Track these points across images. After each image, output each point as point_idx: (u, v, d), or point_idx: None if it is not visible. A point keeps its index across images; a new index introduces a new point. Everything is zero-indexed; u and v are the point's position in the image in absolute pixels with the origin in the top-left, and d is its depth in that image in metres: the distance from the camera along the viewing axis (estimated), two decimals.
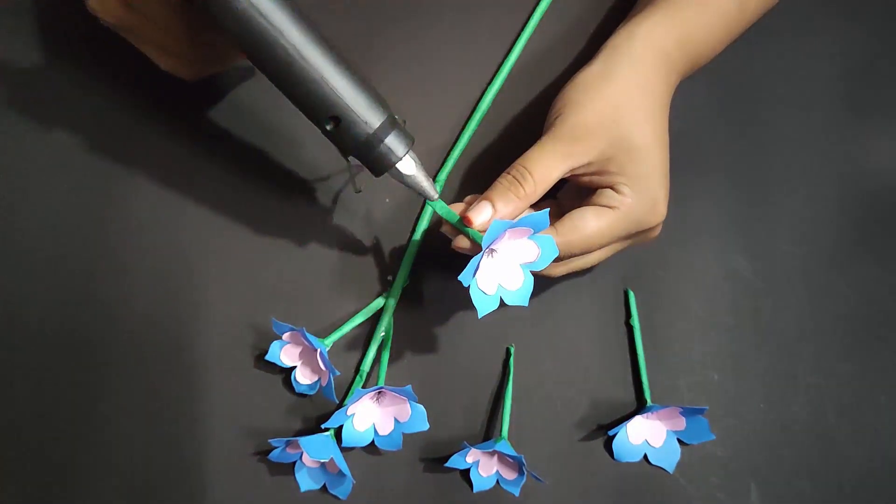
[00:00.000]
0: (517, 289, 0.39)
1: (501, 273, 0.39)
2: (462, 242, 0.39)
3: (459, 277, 0.36)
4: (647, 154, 0.39)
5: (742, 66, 0.52)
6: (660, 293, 0.48)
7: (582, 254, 0.40)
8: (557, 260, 0.40)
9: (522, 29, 0.51)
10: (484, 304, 0.38)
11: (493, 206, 0.38)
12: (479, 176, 0.48)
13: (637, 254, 0.48)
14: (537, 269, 0.39)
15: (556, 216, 0.41)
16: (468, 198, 0.42)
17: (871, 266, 0.49)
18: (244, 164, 0.47)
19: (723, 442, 0.46)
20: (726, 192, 0.50)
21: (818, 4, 0.53)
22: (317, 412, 0.45)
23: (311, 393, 0.45)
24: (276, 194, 0.47)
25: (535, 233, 0.38)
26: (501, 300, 0.38)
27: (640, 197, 0.39)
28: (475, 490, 0.44)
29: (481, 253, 0.36)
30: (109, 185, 0.47)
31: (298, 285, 0.47)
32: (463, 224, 0.39)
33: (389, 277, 0.47)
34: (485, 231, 0.37)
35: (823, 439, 0.47)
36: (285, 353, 0.44)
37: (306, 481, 0.44)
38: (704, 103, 0.51)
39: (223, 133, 0.48)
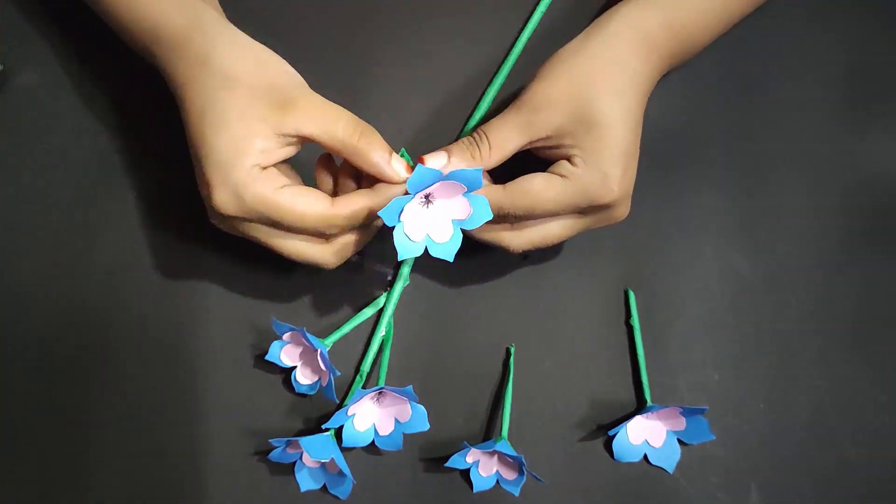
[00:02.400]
0: (444, 242, 0.39)
1: (431, 224, 0.39)
2: (393, 170, 0.40)
3: (379, 213, 0.37)
4: (606, 130, 0.39)
5: (742, 66, 0.52)
6: (660, 293, 0.48)
7: (527, 216, 0.40)
8: (504, 217, 0.40)
9: (524, 27, 0.51)
10: (406, 250, 0.38)
11: (449, 157, 0.40)
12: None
13: (637, 254, 0.48)
14: (469, 227, 0.39)
15: None
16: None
17: (872, 266, 0.49)
18: None
19: (723, 442, 0.46)
20: (726, 192, 0.50)
21: (819, 4, 0.53)
22: (317, 412, 0.45)
23: (312, 393, 0.45)
24: None
25: (469, 191, 0.39)
26: (427, 250, 0.39)
27: (592, 170, 0.39)
28: (475, 490, 0.44)
29: (409, 197, 0.37)
30: (108, 185, 0.47)
31: (299, 285, 0.47)
32: (416, 161, 0.40)
33: (389, 277, 0.47)
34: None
35: (823, 439, 0.47)
36: (285, 354, 0.44)
37: (306, 481, 0.44)
38: (704, 103, 0.51)
39: None
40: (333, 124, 0.38)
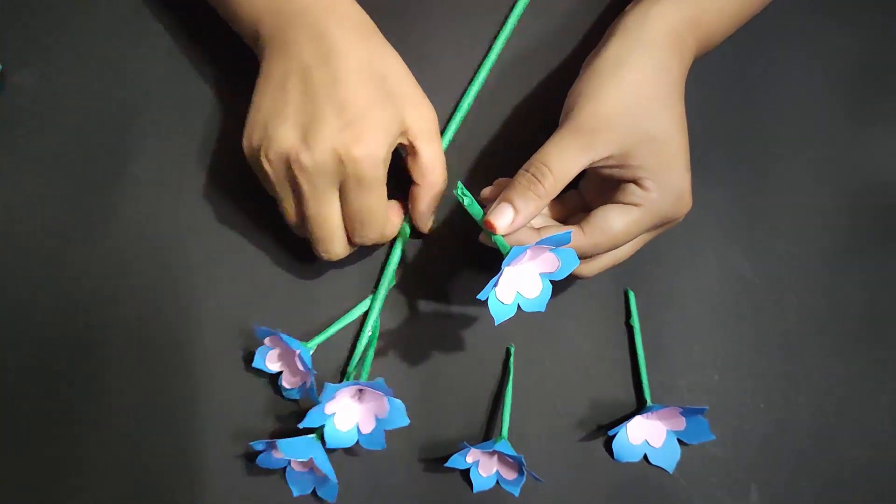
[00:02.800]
0: (535, 296, 0.38)
1: (521, 283, 0.38)
2: (485, 240, 0.40)
3: (479, 296, 0.36)
4: (667, 144, 0.39)
5: (742, 66, 0.52)
6: (660, 293, 0.48)
7: (607, 251, 0.40)
8: (585, 259, 0.40)
9: (511, 10, 0.50)
10: (501, 313, 0.37)
11: (514, 206, 0.37)
12: (475, 159, 0.48)
13: (637, 254, 0.48)
14: (558, 278, 0.38)
15: (578, 207, 0.43)
16: (490, 190, 0.42)
17: (872, 266, 0.49)
18: (238, 167, 0.47)
19: (723, 442, 0.46)
20: (726, 192, 0.50)
21: (819, 4, 0.53)
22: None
23: (300, 398, 0.45)
24: (268, 197, 0.47)
25: (557, 247, 0.38)
26: (519, 307, 0.38)
27: (665, 190, 0.39)
28: (475, 490, 0.44)
29: (499, 273, 0.36)
30: (108, 185, 0.47)
31: (291, 288, 0.47)
32: (486, 228, 0.38)
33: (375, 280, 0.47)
34: (507, 234, 0.38)
35: (823, 439, 0.47)
36: (270, 359, 0.44)
37: (297, 486, 0.44)
38: (704, 103, 0.51)
39: (219, 134, 0.48)
40: (441, 157, 0.43)
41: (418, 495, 0.45)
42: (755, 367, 0.48)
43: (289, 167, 0.39)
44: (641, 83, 0.39)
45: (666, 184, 0.39)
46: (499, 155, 0.48)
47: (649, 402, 0.46)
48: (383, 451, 0.45)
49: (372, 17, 0.43)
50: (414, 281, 0.47)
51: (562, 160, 0.38)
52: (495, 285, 0.37)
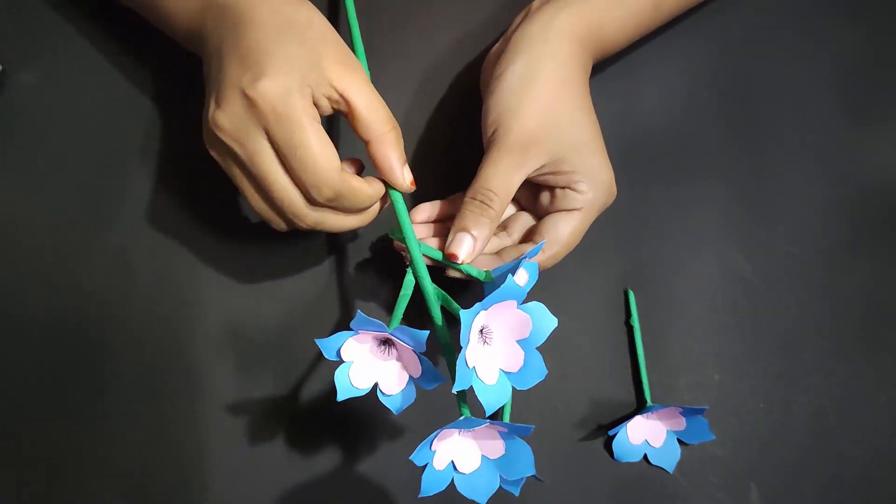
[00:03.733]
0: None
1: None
2: (454, 273, 0.41)
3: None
4: (591, 145, 0.42)
5: (742, 67, 0.52)
6: (660, 293, 0.48)
7: (563, 256, 0.43)
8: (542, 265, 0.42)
9: None
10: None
11: (470, 234, 0.40)
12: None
13: (637, 254, 0.48)
14: (527, 290, 0.37)
15: (515, 219, 0.45)
16: (426, 208, 0.43)
17: (871, 266, 0.49)
18: None
19: (723, 442, 0.46)
20: (726, 192, 0.50)
21: (818, 5, 0.53)
22: (316, 411, 0.45)
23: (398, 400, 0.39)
24: None
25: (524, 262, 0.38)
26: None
27: (597, 188, 0.42)
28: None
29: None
30: (108, 185, 0.47)
31: (293, 286, 0.47)
32: (449, 261, 0.40)
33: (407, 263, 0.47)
34: (469, 261, 0.40)
35: (823, 439, 0.47)
36: (347, 350, 0.38)
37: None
38: (704, 104, 0.51)
39: None
40: (379, 103, 0.40)
41: (419, 495, 0.45)
42: (755, 367, 0.48)
43: (220, 141, 0.38)
44: (555, 96, 0.41)
45: (597, 181, 0.42)
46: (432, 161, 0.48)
47: (649, 402, 0.46)
48: (383, 452, 0.45)
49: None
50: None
51: (503, 181, 0.40)
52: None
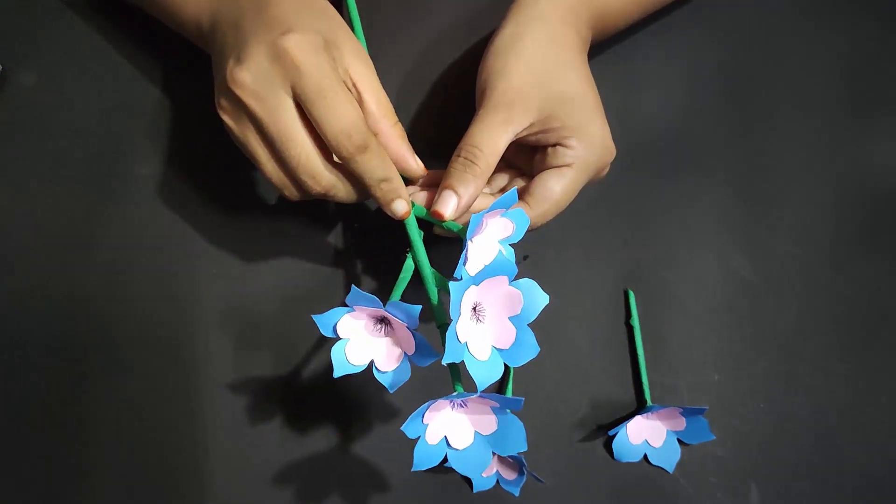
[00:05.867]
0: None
1: (484, 254, 0.38)
2: (441, 231, 0.41)
3: (455, 274, 0.35)
4: (580, 101, 0.41)
5: (742, 66, 0.52)
6: (660, 293, 0.48)
7: (554, 214, 0.42)
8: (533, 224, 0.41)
9: None
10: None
11: (455, 191, 0.39)
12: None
13: (637, 254, 0.48)
14: (514, 241, 0.39)
15: (512, 185, 0.43)
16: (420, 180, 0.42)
17: (871, 266, 0.49)
18: (240, 164, 0.47)
19: (723, 442, 0.46)
20: (726, 192, 0.50)
21: (818, 4, 0.53)
22: (317, 406, 0.45)
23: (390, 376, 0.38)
24: (270, 194, 0.47)
25: (507, 211, 0.38)
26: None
27: (589, 144, 0.41)
28: (475, 490, 0.44)
29: (465, 248, 0.36)
30: (108, 185, 0.47)
31: (294, 284, 0.47)
32: (434, 218, 0.40)
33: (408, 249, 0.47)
34: (457, 219, 0.39)
35: (823, 439, 0.47)
36: (343, 326, 0.38)
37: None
38: (704, 103, 0.51)
39: (220, 133, 0.48)
40: (386, 99, 0.40)
41: (418, 495, 0.45)
42: (755, 367, 0.48)
43: (237, 99, 0.37)
44: (541, 52, 0.41)
45: (589, 137, 0.41)
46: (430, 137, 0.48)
47: (649, 402, 0.46)
48: (383, 451, 0.45)
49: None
50: (412, 284, 0.47)
51: (489, 138, 0.40)
52: (465, 262, 0.37)
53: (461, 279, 0.35)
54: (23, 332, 0.45)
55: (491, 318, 0.36)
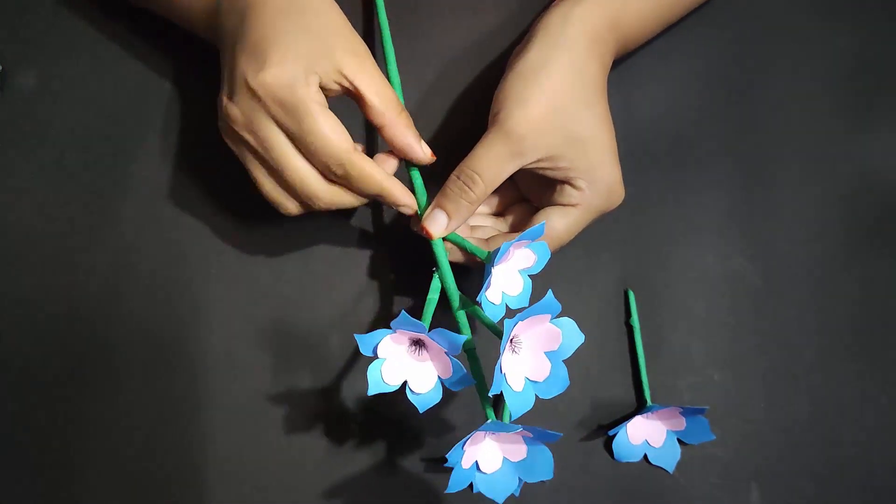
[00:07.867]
0: (519, 293, 0.41)
1: (504, 281, 0.40)
2: (455, 257, 0.42)
3: (478, 298, 0.38)
4: (593, 143, 0.40)
5: (742, 66, 0.52)
6: (660, 293, 0.48)
7: (556, 250, 0.42)
8: None
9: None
10: (494, 313, 0.39)
11: (447, 212, 0.40)
12: None
13: (637, 254, 0.48)
14: (534, 272, 0.41)
15: (515, 199, 0.45)
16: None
17: (872, 266, 0.49)
18: (240, 165, 0.47)
19: (723, 442, 0.46)
20: (726, 191, 0.50)
21: (819, 4, 0.53)
22: (321, 409, 0.45)
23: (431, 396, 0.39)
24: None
25: (531, 243, 0.40)
26: (507, 305, 0.40)
27: (597, 187, 0.41)
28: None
29: (488, 275, 0.38)
30: (108, 185, 0.47)
31: (296, 284, 0.47)
32: (420, 231, 0.41)
33: (434, 269, 0.47)
34: (443, 236, 0.41)
35: (824, 439, 0.47)
36: (384, 348, 0.38)
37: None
38: (705, 103, 0.51)
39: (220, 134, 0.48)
40: (388, 89, 0.40)
41: (418, 495, 0.45)
42: (755, 367, 0.48)
43: (233, 131, 0.39)
44: (563, 87, 0.40)
45: (597, 181, 0.41)
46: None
47: (649, 402, 0.46)
48: (383, 451, 0.45)
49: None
50: (411, 286, 0.47)
51: (491, 166, 0.40)
52: (488, 287, 0.37)
53: (480, 303, 0.37)
54: (23, 335, 0.45)
55: (527, 351, 0.37)
